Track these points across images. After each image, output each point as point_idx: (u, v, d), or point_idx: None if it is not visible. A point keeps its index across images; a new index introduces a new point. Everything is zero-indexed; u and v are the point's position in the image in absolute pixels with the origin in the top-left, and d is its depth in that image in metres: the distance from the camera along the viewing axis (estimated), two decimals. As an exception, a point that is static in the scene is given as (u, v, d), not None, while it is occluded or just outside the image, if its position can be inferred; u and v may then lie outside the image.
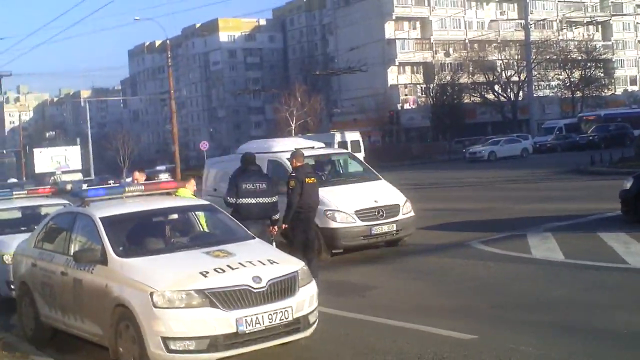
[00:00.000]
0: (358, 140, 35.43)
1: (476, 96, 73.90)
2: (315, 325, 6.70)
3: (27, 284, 8.27)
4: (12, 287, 9.27)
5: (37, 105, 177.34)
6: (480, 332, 6.98)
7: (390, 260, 11.80)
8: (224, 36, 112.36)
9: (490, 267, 10.30)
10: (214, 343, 6.03)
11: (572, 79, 72.40)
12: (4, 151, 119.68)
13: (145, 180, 11.29)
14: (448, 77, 72.36)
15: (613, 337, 6.62)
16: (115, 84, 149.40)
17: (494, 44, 78.35)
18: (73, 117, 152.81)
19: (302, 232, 10.21)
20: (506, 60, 74.13)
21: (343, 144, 33.47)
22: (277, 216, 9.88)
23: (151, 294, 6.10)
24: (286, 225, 10.20)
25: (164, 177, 40.48)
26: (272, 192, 9.88)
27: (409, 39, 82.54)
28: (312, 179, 10.33)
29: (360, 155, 31.37)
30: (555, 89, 75.30)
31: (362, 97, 75.01)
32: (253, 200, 9.61)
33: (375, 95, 73.98)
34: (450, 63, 79.28)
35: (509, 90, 72.30)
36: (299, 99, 71.48)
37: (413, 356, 6.43)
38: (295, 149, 11.44)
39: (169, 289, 6.12)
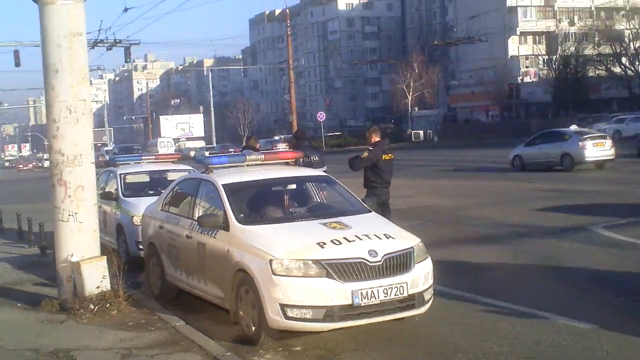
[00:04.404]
0: None
1: (601, 69, 70.05)
2: (430, 302, 6.69)
3: (155, 244, 8.73)
4: (141, 247, 9.83)
5: (163, 73, 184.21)
6: (600, 321, 6.73)
7: (507, 241, 11.56)
8: (342, 4, 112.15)
9: (613, 254, 9.88)
10: (330, 313, 6.14)
11: None
12: (133, 117, 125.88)
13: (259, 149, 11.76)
14: (572, 48, 68.92)
15: None
16: (237, 53, 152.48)
17: (622, 12, 73.70)
18: (196, 85, 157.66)
19: (379, 206, 10.11)
20: (635, 30, 69.61)
21: None
22: None
23: (270, 261, 6.29)
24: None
25: (282, 147, 41.30)
26: (322, 162, 10.74)
27: (531, 6, 79.18)
28: (390, 155, 10.50)
29: None
30: (691, 63, 70.19)
31: (480, 68, 73.03)
32: None
33: (494, 67, 71.86)
34: (575, 33, 75.35)
35: (637, 63, 68.05)
36: (416, 70, 70.47)
37: (529, 342, 6.29)
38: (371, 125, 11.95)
39: (287, 258, 6.28)
